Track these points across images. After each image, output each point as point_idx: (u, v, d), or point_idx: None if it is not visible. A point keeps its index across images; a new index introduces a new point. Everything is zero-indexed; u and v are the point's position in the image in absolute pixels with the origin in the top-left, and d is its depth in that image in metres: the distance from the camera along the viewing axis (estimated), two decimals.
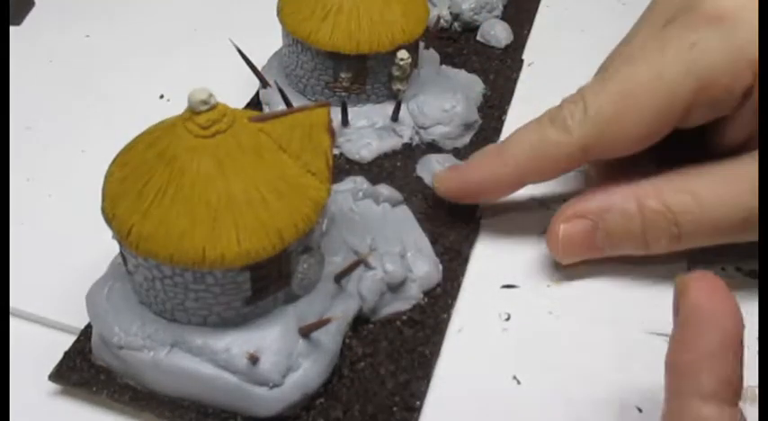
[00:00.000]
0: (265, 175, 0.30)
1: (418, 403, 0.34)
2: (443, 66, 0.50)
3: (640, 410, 0.34)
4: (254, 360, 0.31)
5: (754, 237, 0.34)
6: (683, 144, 0.37)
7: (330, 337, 0.33)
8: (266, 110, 0.46)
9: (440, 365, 0.36)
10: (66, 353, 0.35)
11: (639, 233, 0.36)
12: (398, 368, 0.35)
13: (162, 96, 0.50)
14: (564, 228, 0.37)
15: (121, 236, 0.30)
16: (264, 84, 0.47)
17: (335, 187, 0.39)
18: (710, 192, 0.35)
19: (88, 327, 0.35)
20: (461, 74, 0.50)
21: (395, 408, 0.33)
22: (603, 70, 0.40)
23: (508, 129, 0.48)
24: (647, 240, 0.36)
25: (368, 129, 0.45)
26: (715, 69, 0.33)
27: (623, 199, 0.36)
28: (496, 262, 0.40)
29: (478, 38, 0.55)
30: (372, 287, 0.36)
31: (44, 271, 0.39)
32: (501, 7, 0.57)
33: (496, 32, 0.54)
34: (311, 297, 0.34)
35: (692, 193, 0.35)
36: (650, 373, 0.35)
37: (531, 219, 0.42)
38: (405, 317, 0.37)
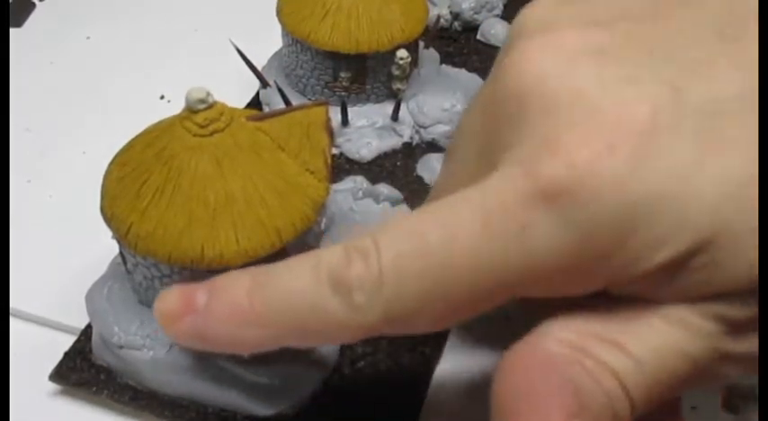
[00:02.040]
0: (264, 174, 0.30)
1: (418, 402, 0.34)
2: (443, 65, 0.50)
3: None
4: (253, 359, 0.31)
5: None
6: None
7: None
8: (266, 110, 0.46)
9: (440, 364, 0.36)
10: (67, 353, 0.35)
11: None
12: (399, 367, 0.35)
13: (162, 97, 0.50)
14: None
15: (120, 235, 0.30)
16: (264, 84, 0.47)
17: (335, 187, 0.39)
18: None
19: (88, 327, 0.35)
20: (462, 73, 0.50)
21: (395, 407, 0.33)
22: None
23: None
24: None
25: (368, 129, 0.45)
26: (552, 262, 0.23)
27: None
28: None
29: (479, 37, 0.55)
30: None
31: (44, 271, 0.39)
32: (501, 6, 0.57)
33: (497, 32, 0.54)
34: None
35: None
36: None
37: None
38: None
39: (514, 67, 0.25)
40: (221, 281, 0.26)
